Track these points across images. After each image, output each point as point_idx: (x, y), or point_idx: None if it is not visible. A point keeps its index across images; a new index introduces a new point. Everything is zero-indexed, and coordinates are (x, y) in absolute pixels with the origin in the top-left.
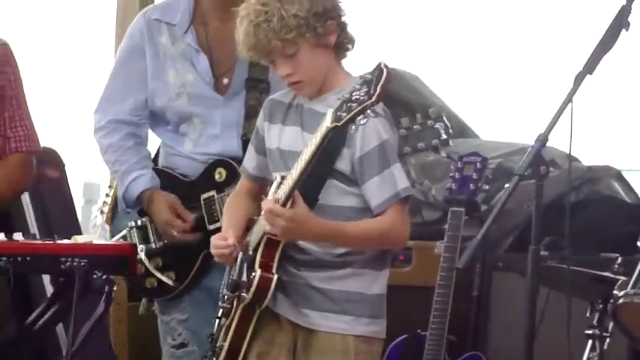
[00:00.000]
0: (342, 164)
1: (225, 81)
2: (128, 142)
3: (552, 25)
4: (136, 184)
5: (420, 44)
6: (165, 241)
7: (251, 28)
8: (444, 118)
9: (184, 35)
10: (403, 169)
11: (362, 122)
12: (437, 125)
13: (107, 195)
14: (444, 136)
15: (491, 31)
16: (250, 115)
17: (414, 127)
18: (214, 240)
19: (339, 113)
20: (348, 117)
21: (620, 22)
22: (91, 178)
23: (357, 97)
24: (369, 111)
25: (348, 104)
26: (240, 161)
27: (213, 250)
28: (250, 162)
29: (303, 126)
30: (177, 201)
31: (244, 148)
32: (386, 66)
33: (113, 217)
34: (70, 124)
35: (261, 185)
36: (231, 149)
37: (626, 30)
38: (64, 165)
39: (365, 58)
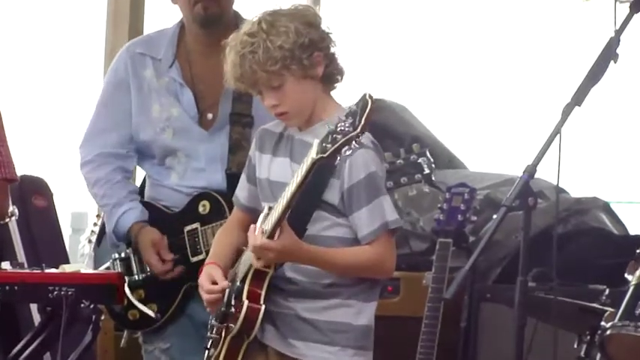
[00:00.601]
0: (330, 195)
1: (210, 116)
2: (117, 176)
3: (541, 56)
4: (126, 217)
5: (408, 75)
6: (148, 273)
7: (237, 58)
8: (427, 153)
9: (169, 70)
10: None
11: (347, 153)
12: (420, 160)
13: (95, 224)
14: (427, 171)
15: (480, 63)
16: (234, 149)
17: (397, 161)
18: (203, 282)
19: (324, 144)
20: (332, 148)
21: (609, 54)
22: (78, 208)
23: (342, 128)
24: (354, 142)
25: (333, 135)
26: (224, 194)
27: (204, 295)
28: (242, 192)
29: (293, 157)
30: (160, 239)
31: (229, 182)
32: (370, 97)
33: (98, 247)
34: (58, 153)
35: (252, 216)
36: (216, 183)
37: (615, 62)
38: (52, 194)
39: (354, 88)
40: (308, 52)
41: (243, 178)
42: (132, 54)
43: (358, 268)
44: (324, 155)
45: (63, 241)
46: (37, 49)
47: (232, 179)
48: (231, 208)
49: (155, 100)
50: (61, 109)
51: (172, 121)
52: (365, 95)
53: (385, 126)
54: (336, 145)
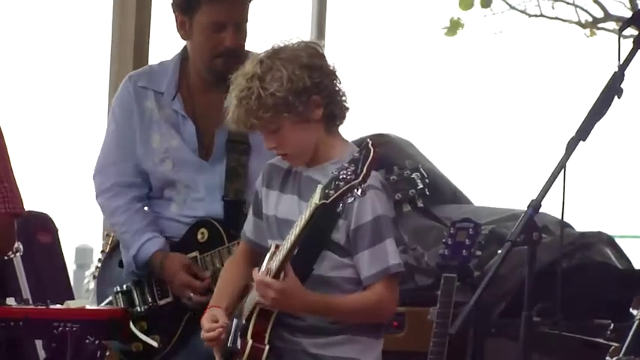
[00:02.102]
0: (338, 235)
1: (213, 148)
2: (136, 205)
3: (546, 91)
4: (149, 245)
5: (413, 110)
6: (151, 305)
7: (235, 102)
8: (421, 169)
9: (171, 102)
10: (396, 242)
11: (349, 201)
12: (413, 175)
13: (99, 260)
14: (421, 186)
15: (485, 98)
16: (231, 176)
17: (391, 177)
18: (204, 322)
19: (327, 191)
20: (334, 195)
21: (612, 89)
22: (83, 243)
23: (345, 176)
24: (356, 190)
25: (336, 182)
26: (221, 222)
27: (204, 335)
28: (248, 225)
29: (301, 195)
30: (190, 261)
31: (226, 210)
32: (373, 145)
33: (100, 282)
34: (62, 188)
35: (259, 250)
36: (215, 212)
37: (619, 97)
38: (57, 230)
39: (360, 123)
40: (304, 97)
41: (250, 212)
42: (134, 85)
43: (359, 316)
44: (327, 202)
45: (68, 276)
46: (42, 81)
47: (229, 206)
48: (229, 235)
49: (155, 131)
50: (65, 145)
51: (172, 152)
52: (367, 143)
53: (390, 160)
54: (337, 193)
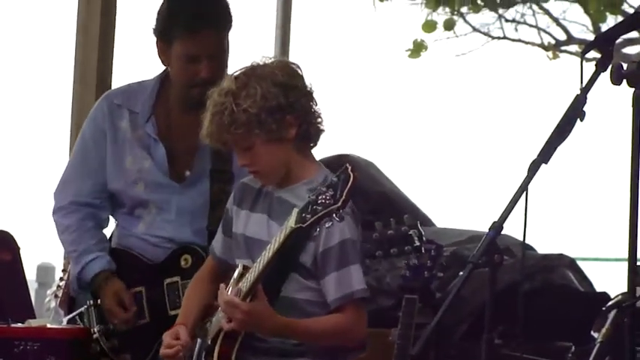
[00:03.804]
0: (305, 257)
1: (187, 173)
2: (87, 224)
3: (508, 113)
4: (93, 265)
5: (376, 131)
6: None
7: (209, 117)
8: (419, 226)
9: (145, 124)
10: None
11: (327, 225)
12: (411, 232)
13: (61, 279)
14: (417, 244)
15: (447, 120)
16: (215, 205)
17: (388, 232)
18: (165, 337)
19: (304, 214)
20: (312, 219)
21: (575, 111)
22: (44, 261)
23: (323, 200)
24: (334, 215)
25: (314, 207)
26: (206, 250)
27: (162, 350)
28: (217, 243)
29: (271, 214)
30: (124, 289)
31: (210, 238)
32: (353, 171)
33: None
34: (23, 206)
35: (225, 267)
36: (183, 236)
37: (581, 120)
38: (18, 248)
39: (322, 142)
40: (277, 115)
41: (219, 229)
42: (110, 103)
43: (327, 339)
44: (303, 225)
45: (29, 295)
46: (3, 99)
47: (213, 235)
48: None
49: (129, 152)
50: (26, 162)
51: (144, 173)
52: (347, 168)
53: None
54: (315, 217)
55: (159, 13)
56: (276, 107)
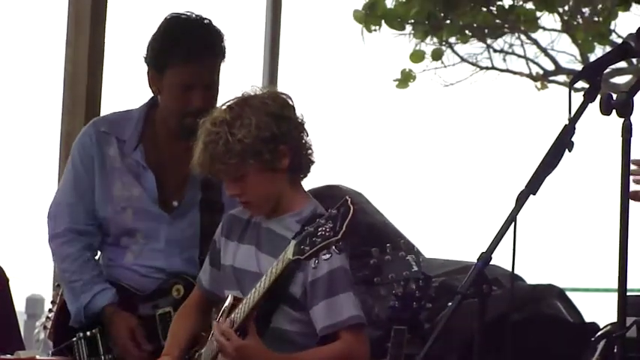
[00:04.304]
0: (295, 288)
1: (175, 203)
2: (87, 254)
3: (497, 143)
4: (100, 298)
5: (365, 161)
6: (116, 355)
7: (201, 146)
8: (415, 250)
9: (133, 152)
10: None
11: (325, 257)
12: (408, 257)
13: (50, 310)
14: (415, 268)
15: (436, 151)
16: (206, 236)
17: (386, 257)
18: None
19: (302, 247)
20: (311, 251)
21: (563, 142)
22: (34, 292)
23: (322, 232)
24: (334, 247)
25: (313, 239)
26: (192, 277)
27: None
28: (205, 274)
29: (259, 245)
30: (137, 327)
31: (195, 268)
32: (353, 203)
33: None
34: (13, 238)
35: (212, 299)
36: (174, 266)
37: (570, 151)
38: (7, 280)
39: (311, 172)
40: (271, 145)
41: (206, 261)
42: (97, 131)
43: None
44: (302, 257)
45: (18, 326)
46: None
47: (200, 264)
48: None
49: (117, 179)
50: (16, 194)
51: (133, 201)
52: (347, 201)
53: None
54: (315, 249)
55: (152, 41)
56: (270, 137)
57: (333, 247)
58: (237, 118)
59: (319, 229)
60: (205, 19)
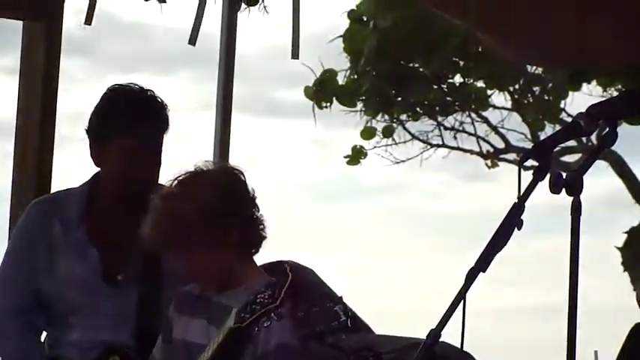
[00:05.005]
0: None
1: (120, 277)
2: (30, 334)
3: (444, 219)
4: None
5: (316, 240)
6: None
7: (149, 221)
8: (343, 300)
9: (77, 229)
10: None
11: (265, 325)
12: (336, 308)
13: None
14: (343, 318)
15: (383, 222)
16: (144, 306)
17: (313, 309)
18: None
19: (242, 315)
20: (251, 319)
21: (512, 220)
22: None
23: (261, 299)
24: (272, 314)
25: (252, 306)
26: (134, 350)
27: None
28: (157, 350)
29: (210, 319)
30: None
31: (138, 339)
32: (291, 270)
33: None
34: None
35: None
36: (121, 339)
37: (519, 229)
38: None
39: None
40: (218, 223)
41: (159, 338)
42: (38, 211)
43: None
44: (242, 325)
45: None
46: None
47: (142, 336)
48: None
49: (61, 257)
50: None
51: (76, 278)
52: (285, 269)
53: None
54: (253, 317)
55: (94, 112)
56: (218, 213)
57: (272, 314)
58: (185, 194)
59: (258, 297)
60: (148, 90)
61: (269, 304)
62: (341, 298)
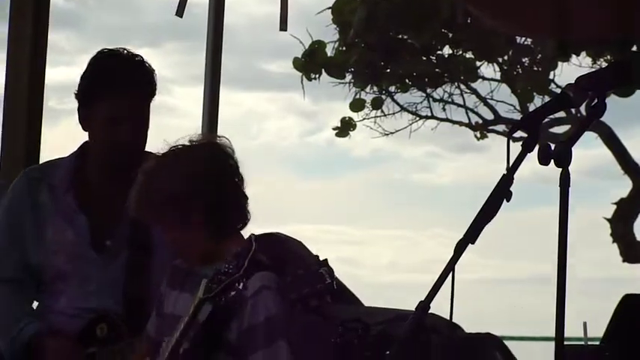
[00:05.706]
0: (231, 335)
1: (108, 242)
2: (14, 297)
3: (436, 190)
4: (26, 330)
5: (305, 210)
6: None
7: (132, 193)
8: (328, 263)
9: (65, 195)
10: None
11: (231, 294)
12: (321, 270)
13: None
14: (329, 280)
15: (373, 196)
16: (132, 273)
17: (299, 272)
18: None
19: (210, 285)
20: (218, 289)
21: (501, 192)
22: None
23: (227, 269)
24: (237, 284)
25: (219, 276)
26: (122, 317)
27: None
28: (151, 325)
29: (193, 293)
30: (79, 352)
31: (126, 306)
32: (256, 239)
33: None
34: None
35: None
36: (109, 306)
37: (508, 200)
38: None
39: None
40: (184, 201)
41: (153, 311)
42: (29, 179)
43: None
44: (210, 295)
45: None
46: None
47: (129, 304)
48: (130, 331)
49: (49, 224)
50: None
51: (65, 245)
52: (250, 238)
53: (282, 260)
54: (220, 287)
55: (82, 76)
56: (192, 190)
57: (237, 283)
58: (161, 170)
59: (224, 267)
60: (137, 55)
61: (234, 274)
62: (325, 260)
